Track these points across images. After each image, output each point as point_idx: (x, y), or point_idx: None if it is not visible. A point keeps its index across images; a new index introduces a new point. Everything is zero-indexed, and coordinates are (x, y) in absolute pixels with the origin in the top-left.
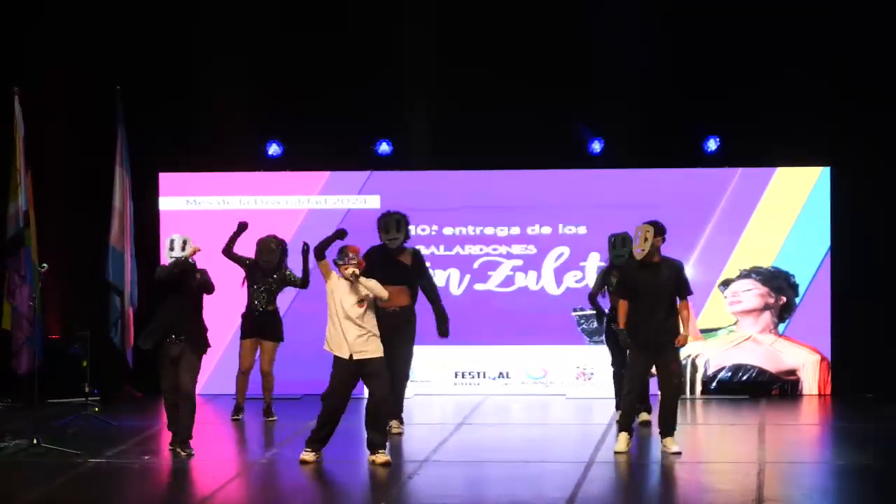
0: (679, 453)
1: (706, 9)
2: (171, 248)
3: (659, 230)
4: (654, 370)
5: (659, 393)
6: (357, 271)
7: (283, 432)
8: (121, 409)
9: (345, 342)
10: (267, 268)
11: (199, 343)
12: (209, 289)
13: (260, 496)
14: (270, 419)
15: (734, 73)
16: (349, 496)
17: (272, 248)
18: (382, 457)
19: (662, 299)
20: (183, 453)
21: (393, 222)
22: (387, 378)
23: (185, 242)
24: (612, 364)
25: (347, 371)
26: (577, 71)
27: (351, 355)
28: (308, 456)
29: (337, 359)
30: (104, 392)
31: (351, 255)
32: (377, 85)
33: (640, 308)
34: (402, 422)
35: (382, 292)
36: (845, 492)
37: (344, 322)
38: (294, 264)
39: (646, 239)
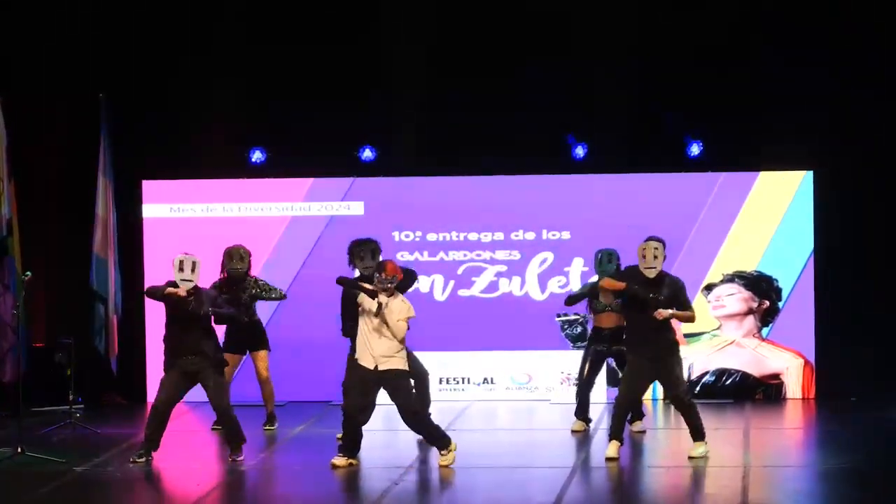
0: (703, 457)
1: (689, 14)
2: (181, 270)
3: (664, 246)
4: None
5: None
6: (385, 299)
7: (269, 439)
8: (105, 417)
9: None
10: (236, 276)
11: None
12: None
13: (246, 503)
14: (271, 427)
15: (717, 77)
16: (334, 502)
17: (242, 256)
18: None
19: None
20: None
21: (368, 251)
22: (408, 388)
23: (194, 265)
24: (579, 376)
25: (369, 380)
26: (560, 76)
27: (376, 366)
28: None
29: (359, 367)
30: (88, 400)
31: (387, 276)
32: (360, 91)
33: (639, 319)
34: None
35: (398, 330)
36: (829, 495)
37: (371, 334)
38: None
39: (655, 257)
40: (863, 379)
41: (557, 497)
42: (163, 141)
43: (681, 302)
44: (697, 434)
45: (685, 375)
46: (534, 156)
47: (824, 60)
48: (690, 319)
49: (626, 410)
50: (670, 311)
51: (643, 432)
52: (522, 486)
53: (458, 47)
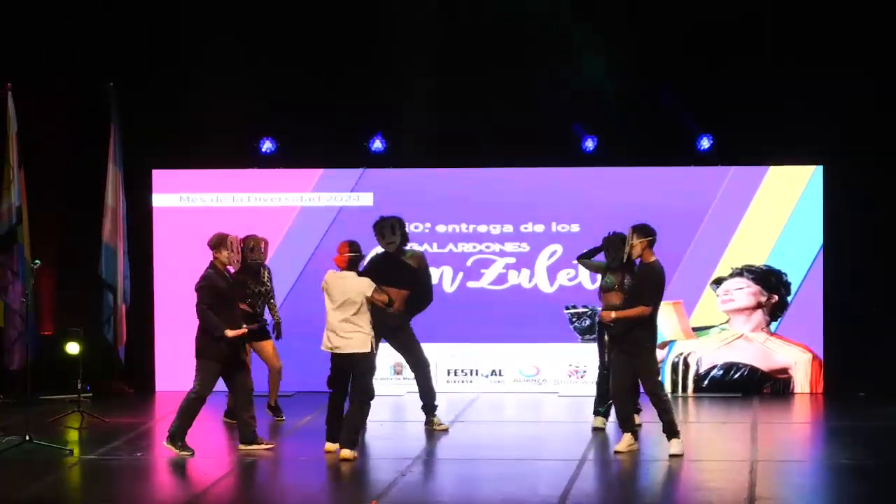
0: (678, 455)
1: (698, 7)
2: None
3: (640, 231)
4: None
5: None
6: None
7: (277, 429)
8: (112, 406)
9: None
10: (255, 266)
11: None
12: None
13: (253, 492)
14: (281, 418)
15: (727, 71)
16: (341, 492)
17: (261, 249)
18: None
19: (629, 300)
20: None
21: (388, 226)
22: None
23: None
24: (599, 366)
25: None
26: (570, 68)
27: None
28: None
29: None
30: (96, 388)
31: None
32: (371, 82)
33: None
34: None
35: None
36: (837, 490)
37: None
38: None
39: (629, 242)
40: (871, 374)
41: (564, 490)
42: (173, 130)
43: (639, 293)
44: (671, 431)
45: (694, 369)
46: (544, 148)
47: (835, 54)
48: (641, 314)
49: (621, 400)
50: (613, 313)
51: (639, 426)
52: (529, 479)
53: (469, 39)
